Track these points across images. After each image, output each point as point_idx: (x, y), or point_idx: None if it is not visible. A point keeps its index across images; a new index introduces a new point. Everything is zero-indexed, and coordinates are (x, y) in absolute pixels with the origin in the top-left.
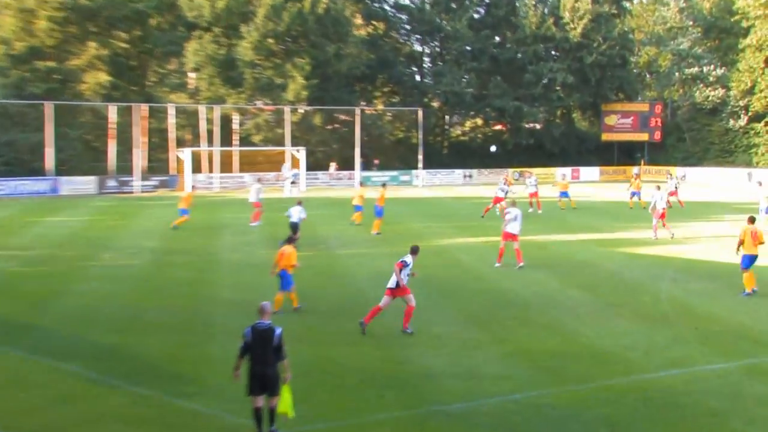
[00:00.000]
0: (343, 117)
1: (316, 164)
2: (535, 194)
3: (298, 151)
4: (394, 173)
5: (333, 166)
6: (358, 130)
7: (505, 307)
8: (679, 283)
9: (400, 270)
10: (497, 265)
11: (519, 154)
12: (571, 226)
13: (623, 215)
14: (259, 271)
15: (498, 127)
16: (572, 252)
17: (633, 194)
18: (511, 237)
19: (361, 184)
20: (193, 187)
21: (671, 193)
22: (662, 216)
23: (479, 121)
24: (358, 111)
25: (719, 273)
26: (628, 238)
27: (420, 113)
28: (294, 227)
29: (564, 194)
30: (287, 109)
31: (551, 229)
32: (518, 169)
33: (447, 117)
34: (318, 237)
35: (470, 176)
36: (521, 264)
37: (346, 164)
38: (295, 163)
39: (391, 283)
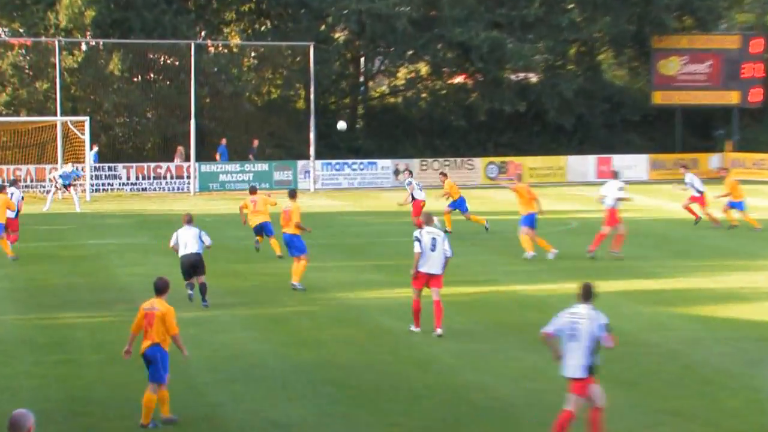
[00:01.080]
0: (165, 59)
1: (113, 149)
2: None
3: (77, 125)
4: (264, 166)
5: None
6: (193, 85)
7: (470, 420)
8: None
9: (606, 338)
10: (413, 328)
11: (499, 130)
12: (585, 266)
13: (697, 245)
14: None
15: (458, 79)
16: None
17: (732, 205)
18: (430, 280)
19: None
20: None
21: (693, 199)
22: None
23: (423, 69)
24: (193, 48)
25: None
26: (703, 288)
27: (311, 54)
28: (194, 265)
29: (456, 205)
30: (57, 43)
31: (551, 270)
32: (498, 160)
33: (363, 61)
34: (115, 285)
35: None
36: (438, 330)
37: (170, 150)
38: (75, 155)
39: (576, 370)
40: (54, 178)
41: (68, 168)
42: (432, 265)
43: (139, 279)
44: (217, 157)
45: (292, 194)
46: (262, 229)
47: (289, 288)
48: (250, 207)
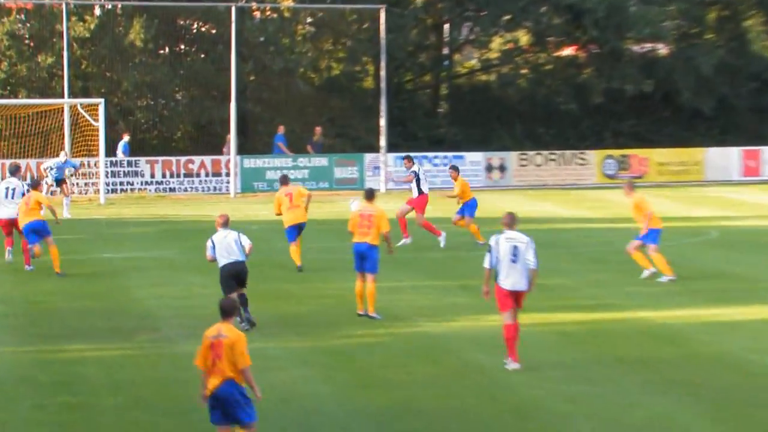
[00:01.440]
0: (199, 26)
1: (134, 139)
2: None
3: (89, 110)
4: (323, 161)
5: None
6: (234, 59)
7: None
8: None
9: None
10: (510, 365)
11: (618, 116)
12: (727, 288)
13: None
14: None
15: (568, 51)
16: (742, 351)
17: None
18: (513, 299)
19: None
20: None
21: None
22: None
23: (523, 39)
24: (234, 13)
25: None
26: None
27: (383, 19)
28: (239, 275)
29: (466, 209)
30: (64, 7)
31: (685, 293)
32: (618, 153)
33: (447, 28)
34: (136, 310)
35: (502, 167)
36: (511, 362)
37: (212, 140)
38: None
39: None
40: (45, 171)
41: (61, 158)
42: (516, 280)
43: (166, 302)
44: (282, 146)
45: (370, 195)
46: (299, 231)
47: (355, 314)
48: (286, 203)
